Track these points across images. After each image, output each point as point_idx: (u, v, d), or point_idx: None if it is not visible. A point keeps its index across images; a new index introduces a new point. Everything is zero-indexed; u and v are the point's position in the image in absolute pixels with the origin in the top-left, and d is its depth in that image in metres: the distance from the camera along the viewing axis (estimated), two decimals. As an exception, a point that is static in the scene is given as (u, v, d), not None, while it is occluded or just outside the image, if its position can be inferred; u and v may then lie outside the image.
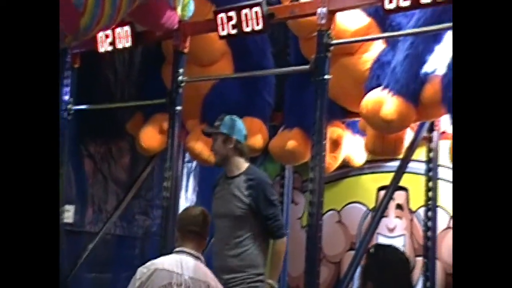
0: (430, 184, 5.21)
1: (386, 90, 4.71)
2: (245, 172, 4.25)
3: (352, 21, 4.93)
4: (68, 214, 6.22)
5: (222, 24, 4.96)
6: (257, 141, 5.68)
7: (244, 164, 4.29)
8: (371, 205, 6.10)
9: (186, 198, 7.04)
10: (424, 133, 5.19)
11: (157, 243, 5.75)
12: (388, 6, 4.18)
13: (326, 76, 4.48)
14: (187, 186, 7.12)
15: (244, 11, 4.84)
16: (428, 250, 5.23)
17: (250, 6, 4.83)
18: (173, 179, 5.35)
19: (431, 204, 5.21)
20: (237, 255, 4.15)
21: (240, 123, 4.36)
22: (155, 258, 3.65)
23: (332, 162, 5.37)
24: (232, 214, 4.18)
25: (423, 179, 5.31)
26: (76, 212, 6.36)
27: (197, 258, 3.53)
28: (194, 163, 7.04)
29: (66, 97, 6.10)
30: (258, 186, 4.17)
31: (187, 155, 6.45)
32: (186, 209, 3.92)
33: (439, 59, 4.69)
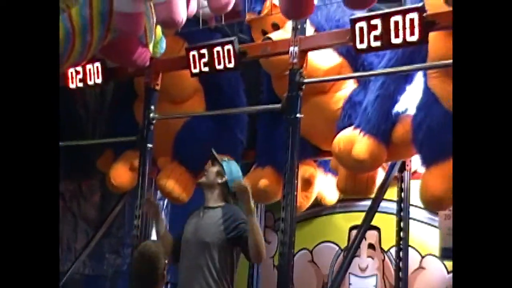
0: (402, 224, 5.18)
1: (358, 130, 4.72)
2: (223, 207, 4.28)
3: (324, 60, 4.95)
4: (35, 252, 6.09)
5: (194, 61, 4.95)
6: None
7: (222, 202, 4.32)
8: (343, 244, 6.05)
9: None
10: (395, 173, 5.18)
11: (128, 282, 5.63)
12: (359, 46, 4.21)
13: (298, 115, 4.48)
14: (158, 224, 7.01)
15: (216, 49, 4.84)
16: (400, 290, 5.18)
17: (222, 44, 4.83)
18: (144, 217, 5.28)
19: (402, 244, 5.17)
20: (205, 284, 4.08)
21: (240, 175, 4.38)
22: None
23: (304, 201, 5.33)
24: (203, 241, 4.14)
25: (395, 218, 5.28)
26: (44, 251, 6.23)
27: None
28: (166, 201, 6.95)
29: (36, 133, 6.04)
30: (235, 216, 4.19)
31: (158, 192, 6.38)
32: (138, 251, 3.78)
33: (410, 99, 4.72)
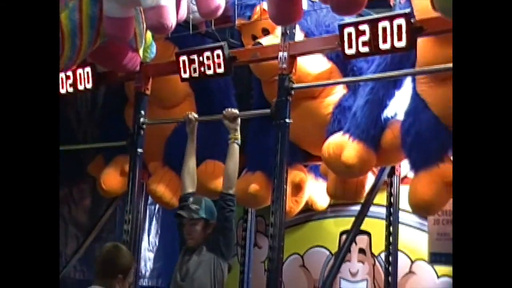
0: (391, 229, 5.19)
1: (347, 135, 4.73)
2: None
3: (314, 65, 4.96)
4: (25, 257, 6.08)
5: (184, 66, 4.95)
6: (220, 184, 5.63)
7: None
8: (334, 249, 6.05)
9: (149, 241, 6.93)
10: (385, 178, 5.19)
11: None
12: (348, 51, 4.21)
13: (287, 120, 4.49)
14: (149, 228, 7.01)
15: (206, 54, 4.84)
16: (390, 295, 5.18)
17: (212, 49, 4.83)
18: (134, 222, 5.27)
19: (391, 249, 5.18)
20: None
21: (212, 203, 4.23)
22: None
23: (294, 206, 5.34)
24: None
25: (384, 223, 5.29)
26: (34, 256, 6.22)
27: None
28: (157, 206, 6.95)
29: (26, 138, 6.03)
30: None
31: (149, 197, 6.37)
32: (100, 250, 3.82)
33: (399, 104, 4.73)
